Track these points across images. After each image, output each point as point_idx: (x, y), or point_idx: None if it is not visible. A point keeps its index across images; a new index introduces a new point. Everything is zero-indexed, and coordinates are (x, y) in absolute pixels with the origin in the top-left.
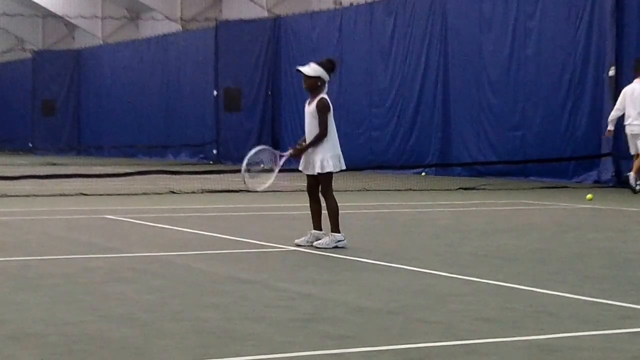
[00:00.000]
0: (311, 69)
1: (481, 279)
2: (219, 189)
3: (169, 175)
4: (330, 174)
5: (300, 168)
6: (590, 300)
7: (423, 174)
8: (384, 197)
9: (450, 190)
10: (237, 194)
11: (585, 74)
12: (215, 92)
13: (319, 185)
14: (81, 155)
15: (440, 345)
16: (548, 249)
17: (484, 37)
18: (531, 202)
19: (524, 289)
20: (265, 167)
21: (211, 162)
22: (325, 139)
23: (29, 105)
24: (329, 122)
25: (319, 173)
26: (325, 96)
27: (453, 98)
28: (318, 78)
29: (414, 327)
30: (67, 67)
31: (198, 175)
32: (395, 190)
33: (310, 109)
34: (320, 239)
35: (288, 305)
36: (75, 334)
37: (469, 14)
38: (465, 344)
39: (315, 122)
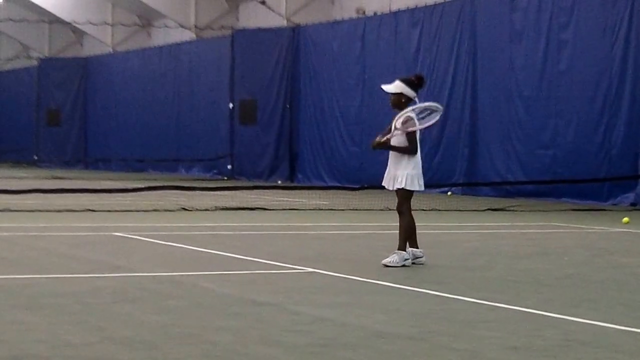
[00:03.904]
0: (393, 86)
1: (509, 305)
2: (233, 206)
3: (180, 191)
4: (409, 191)
5: (383, 184)
6: (625, 330)
7: (449, 193)
8: None
9: (477, 211)
10: (252, 211)
11: (621, 89)
12: (230, 104)
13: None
14: (88, 168)
15: None
16: (580, 274)
17: (514, 49)
18: (563, 225)
19: (554, 317)
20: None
21: (225, 178)
22: (412, 156)
23: (33, 115)
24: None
25: (398, 188)
26: (412, 114)
27: (481, 113)
28: (401, 95)
29: (437, 355)
30: (74, 75)
31: (211, 192)
32: (419, 209)
33: (395, 124)
34: (419, 257)
35: (304, 329)
36: (79, 356)
37: (499, 24)
38: None
39: (400, 139)
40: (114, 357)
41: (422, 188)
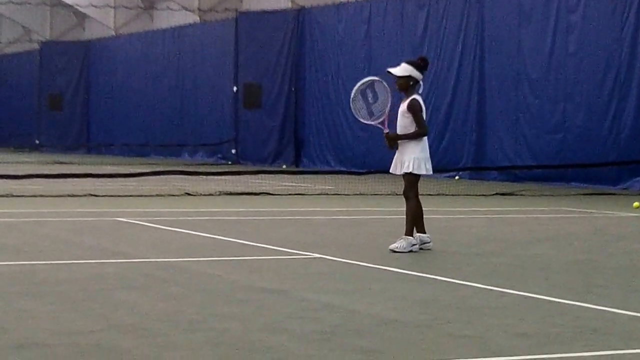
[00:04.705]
0: (401, 69)
1: (519, 291)
2: (238, 191)
3: (184, 176)
4: (416, 176)
5: (391, 171)
6: (636, 316)
7: (456, 177)
8: None
9: (485, 195)
10: (256, 196)
11: (631, 72)
12: (234, 88)
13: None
14: (90, 153)
15: None
16: (591, 260)
17: (522, 31)
18: (572, 209)
19: (564, 303)
20: (370, 104)
21: (229, 162)
22: (419, 140)
23: (35, 100)
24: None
25: (405, 173)
26: (418, 97)
27: (489, 97)
28: (409, 77)
29: (445, 342)
30: (76, 59)
31: (215, 177)
32: (426, 194)
33: (402, 109)
34: (426, 242)
35: (311, 316)
36: (83, 344)
37: (507, 6)
38: None
39: (406, 122)
40: (119, 345)
41: (430, 172)
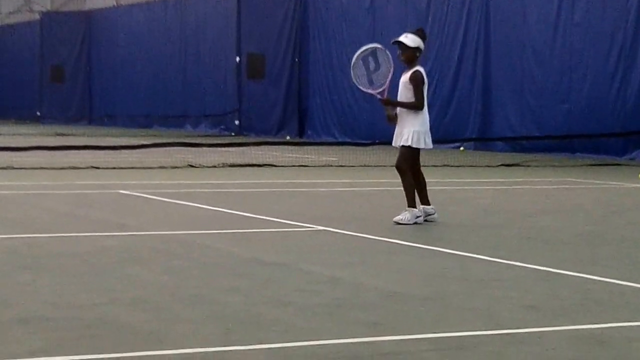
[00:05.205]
0: (410, 40)
1: (524, 263)
2: (241, 163)
3: (187, 148)
4: (413, 149)
5: (393, 144)
6: None
7: (461, 148)
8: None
9: (490, 166)
10: (260, 168)
11: (636, 43)
12: (237, 58)
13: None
14: (92, 125)
15: (480, 335)
16: (597, 232)
17: (528, 1)
18: (578, 180)
19: (571, 275)
20: (371, 72)
21: (233, 134)
22: (418, 113)
23: (36, 71)
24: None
25: (402, 145)
26: (421, 69)
27: (494, 68)
28: (417, 49)
29: (451, 315)
30: (77, 30)
31: (218, 148)
32: (431, 165)
33: (404, 80)
34: (430, 214)
35: (315, 289)
36: (86, 318)
37: None
38: (506, 333)
39: (407, 94)
40: (122, 319)
41: (430, 146)
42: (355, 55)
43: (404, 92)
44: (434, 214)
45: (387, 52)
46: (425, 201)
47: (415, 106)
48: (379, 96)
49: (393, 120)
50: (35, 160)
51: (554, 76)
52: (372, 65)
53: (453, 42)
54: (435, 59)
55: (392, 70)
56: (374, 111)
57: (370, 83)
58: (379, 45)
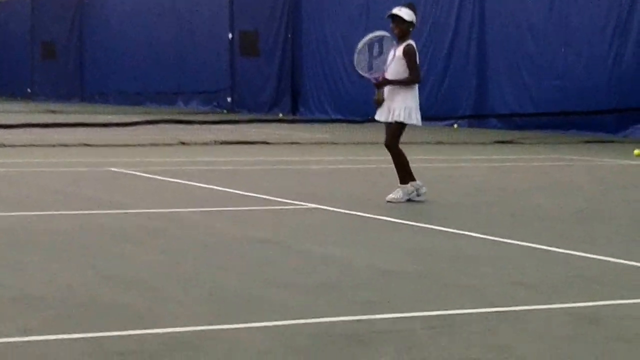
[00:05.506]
0: (405, 13)
1: (518, 241)
2: (234, 140)
3: (179, 125)
4: (404, 125)
5: (376, 117)
6: (635, 265)
7: (455, 125)
8: (412, 150)
9: (484, 144)
10: (252, 146)
11: (631, 19)
12: (230, 35)
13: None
14: (84, 102)
15: (472, 312)
16: (591, 210)
17: None
18: (573, 157)
19: (564, 253)
20: (374, 57)
21: (225, 111)
22: (410, 88)
23: (27, 48)
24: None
25: (395, 121)
26: (412, 42)
27: (489, 44)
28: (411, 23)
29: (444, 292)
30: (69, 6)
31: (211, 125)
32: (424, 143)
33: (397, 54)
34: (418, 187)
35: (309, 268)
36: (78, 297)
37: None
38: (499, 311)
39: (399, 68)
40: (113, 298)
41: (419, 123)
42: (362, 41)
43: (396, 67)
44: (422, 187)
45: (394, 41)
46: (411, 177)
47: (413, 80)
48: (374, 80)
49: (381, 102)
50: (27, 137)
51: (549, 52)
52: (376, 51)
53: (448, 17)
54: (429, 34)
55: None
56: (367, 88)
57: (370, 68)
58: (387, 34)
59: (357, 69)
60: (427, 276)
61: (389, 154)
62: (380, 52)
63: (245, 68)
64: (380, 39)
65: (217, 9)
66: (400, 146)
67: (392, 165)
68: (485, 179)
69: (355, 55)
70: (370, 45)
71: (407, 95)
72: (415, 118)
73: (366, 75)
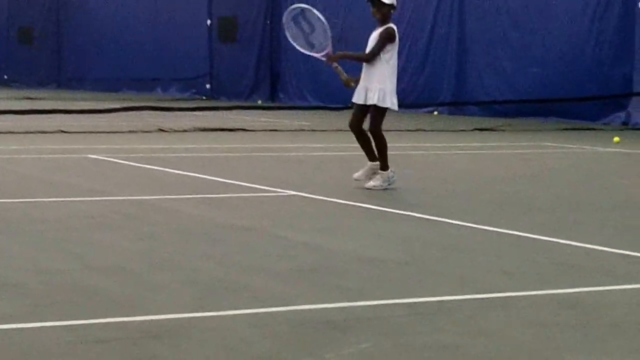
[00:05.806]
0: None
1: (499, 228)
2: (213, 127)
3: (157, 112)
4: (382, 109)
5: (353, 100)
6: (617, 252)
7: (435, 113)
8: (392, 138)
9: (465, 131)
10: (231, 132)
11: (611, 5)
12: (208, 21)
13: (365, 117)
14: (61, 88)
15: (454, 299)
16: (572, 197)
17: None
18: (553, 144)
19: (545, 240)
20: (307, 34)
21: (204, 98)
22: (385, 69)
23: (3, 33)
24: (392, 56)
25: (375, 105)
26: (393, 26)
27: (469, 29)
28: (391, 6)
29: (426, 279)
30: None
31: (189, 112)
32: (405, 130)
33: (374, 35)
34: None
35: (289, 255)
36: (58, 283)
37: None
38: (481, 298)
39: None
40: (95, 284)
41: (395, 107)
42: (284, 18)
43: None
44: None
45: (315, 11)
46: (373, 157)
47: (364, 59)
48: (323, 59)
49: (349, 84)
50: (3, 124)
51: (528, 38)
52: (305, 27)
53: (427, 3)
54: (409, 21)
55: (328, 30)
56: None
57: (311, 46)
58: (304, 5)
59: (295, 46)
60: (410, 264)
61: (353, 136)
62: (312, 28)
63: (224, 54)
64: (301, 12)
65: None
66: (383, 133)
67: (361, 154)
68: (467, 167)
69: (286, 33)
70: (295, 19)
71: (383, 77)
72: (389, 101)
73: (311, 53)
